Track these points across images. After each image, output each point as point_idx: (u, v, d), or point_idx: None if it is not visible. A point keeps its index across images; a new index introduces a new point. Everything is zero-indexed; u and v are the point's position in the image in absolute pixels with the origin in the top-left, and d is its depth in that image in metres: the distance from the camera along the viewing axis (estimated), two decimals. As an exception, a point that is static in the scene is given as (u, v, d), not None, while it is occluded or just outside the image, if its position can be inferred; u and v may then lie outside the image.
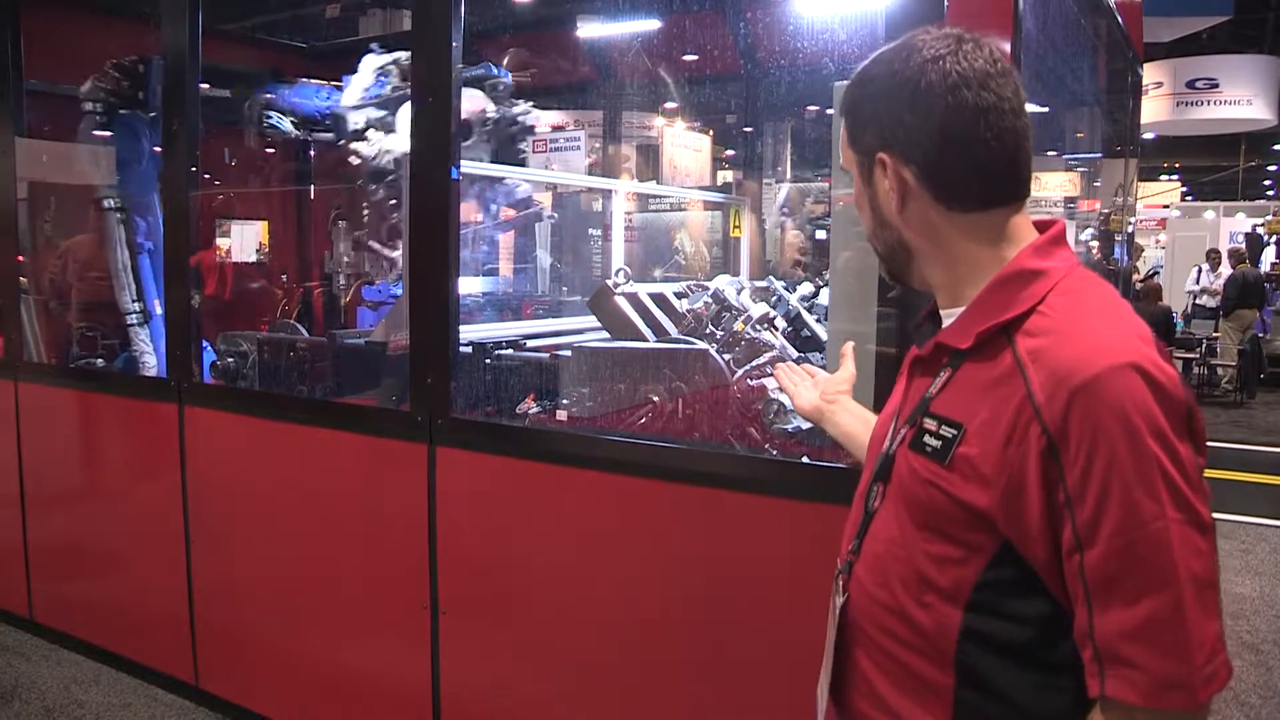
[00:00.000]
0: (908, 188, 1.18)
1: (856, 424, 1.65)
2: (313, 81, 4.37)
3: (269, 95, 4.25)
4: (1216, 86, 14.77)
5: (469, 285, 3.85)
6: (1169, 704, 1.00)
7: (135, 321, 4.02)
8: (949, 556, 1.13)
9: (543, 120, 4.97)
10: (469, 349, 3.10)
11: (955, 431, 1.12)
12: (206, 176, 4.13)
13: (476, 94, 3.90)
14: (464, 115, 3.57)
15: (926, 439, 1.15)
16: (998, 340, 1.12)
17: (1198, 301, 13.63)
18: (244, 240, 6.32)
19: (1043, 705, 1.11)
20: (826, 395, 1.71)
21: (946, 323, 1.23)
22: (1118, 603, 1.01)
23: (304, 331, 4.09)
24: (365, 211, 3.90)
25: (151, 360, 3.97)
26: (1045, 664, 1.10)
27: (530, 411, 2.98)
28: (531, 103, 4.34)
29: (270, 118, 4.13)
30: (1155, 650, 0.99)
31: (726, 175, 6.05)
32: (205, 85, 3.96)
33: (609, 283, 3.51)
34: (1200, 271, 13.94)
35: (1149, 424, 1.00)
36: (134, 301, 4.00)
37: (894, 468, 1.21)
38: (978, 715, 1.13)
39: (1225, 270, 13.50)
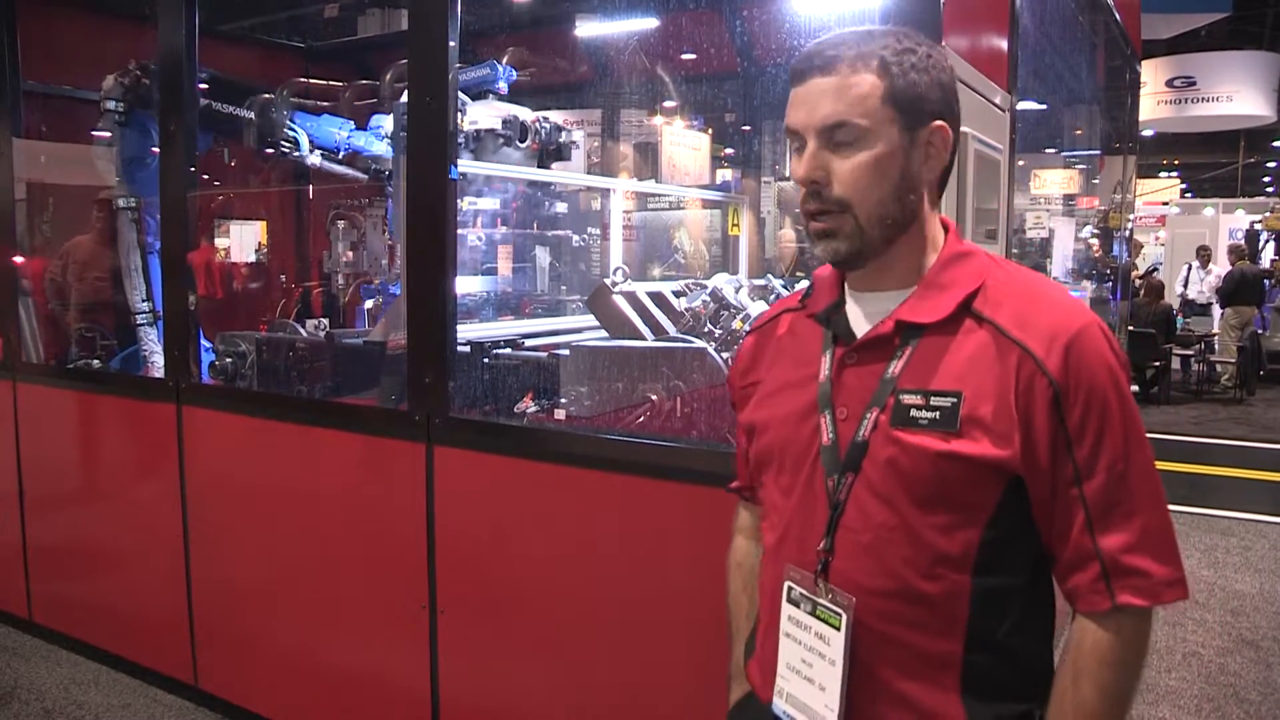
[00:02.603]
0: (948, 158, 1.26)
1: None
2: (338, 116, 4.36)
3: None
4: (1194, 84, 14.80)
5: (468, 285, 3.84)
6: (1170, 599, 1.17)
7: (145, 321, 4.00)
8: (953, 523, 1.18)
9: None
10: (467, 348, 3.10)
11: (955, 399, 1.18)
12: (205, 176, 4.12)
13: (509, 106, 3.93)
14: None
15: (916, 413, 1.19)
16: (959, 314, 1.22)
17: (1188, 298, 13.68)
18: (243, 240, 6.33)
19: (1033, 648, 1.24)
20: None
21: (878, 304, 1.27)
22: (1119, 522, 1.16)
23: (302, 331, 4.09)
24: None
25: (160, 360, 3.96)
26: (1035, 609, 1.24)
27: (528, 411, 2.98)
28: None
29: (293, 130, 4.12)
30: (1156, 556, 1.16)
31: (725, 174, 6.04)
32: (230, 107, 3.98)
33: (607, 281, 3.51)
34: (1190, 269, 14.00)
35: (1124, 371, 1.19)
36: (144, 301, 3.99)
37: (868, 454, 1.21)
38: (983, 673, 1.21)
39: (1215, 267, 13.55)
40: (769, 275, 4.63)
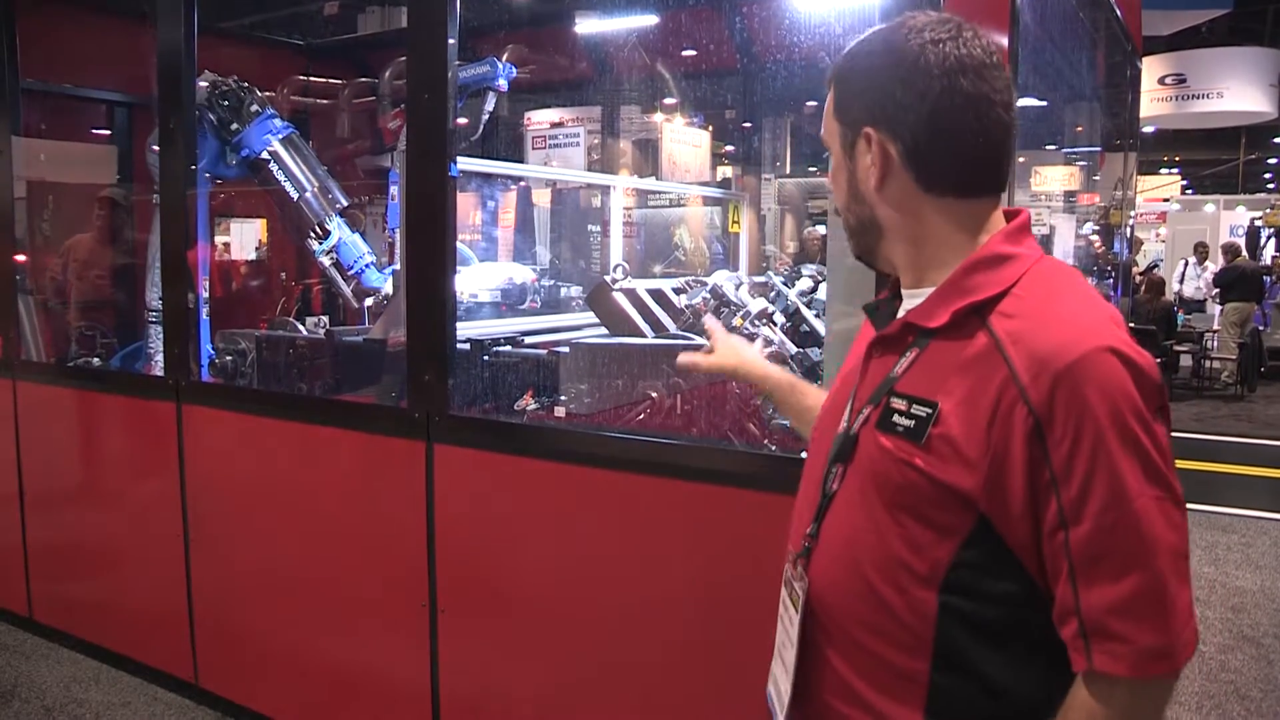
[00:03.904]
0: (891, 166, 1.17)
1: (782, 381, 1.68)
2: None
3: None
4: (1185, 81, 14.80)
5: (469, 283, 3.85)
6: (1154, 672, 1.03)
7: (158, 319, 3.99)
8: (923, 538, 1.11)
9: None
10: (467, 346, 3.09)
11: (929, 410, 1.11)
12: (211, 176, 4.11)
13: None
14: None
15: (896, 418, 1.14)
16: (970, 321, 1.13)
17: (1184, 295, 13.69)
18: (243, 238, 6.33)
19: (1016, 682, 1.12)
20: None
21: (909, 303, 1.23)
22: (1103, 578, 1.03)
23: (302, 329, 4.09)
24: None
25: None
26: (1019, 642, 1.12)
27: (528, 408, 2.98)
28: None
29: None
30: (1141, 623, 1.02)
31: (726, 170, 6.04)
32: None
33: (607, 279, 3.51)
34: (1187, 265, 14.01)
35: (1129, 405, 1.03)
36: (159, 299, 3.97)
37: (857, 448, 1.19)
38: (952, 699, 1.13)
39: (1211, 264, 13.55)
40: (769, 273, 4.63)
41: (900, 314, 1.23)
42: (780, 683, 1.27)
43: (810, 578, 1.22)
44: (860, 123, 1.19)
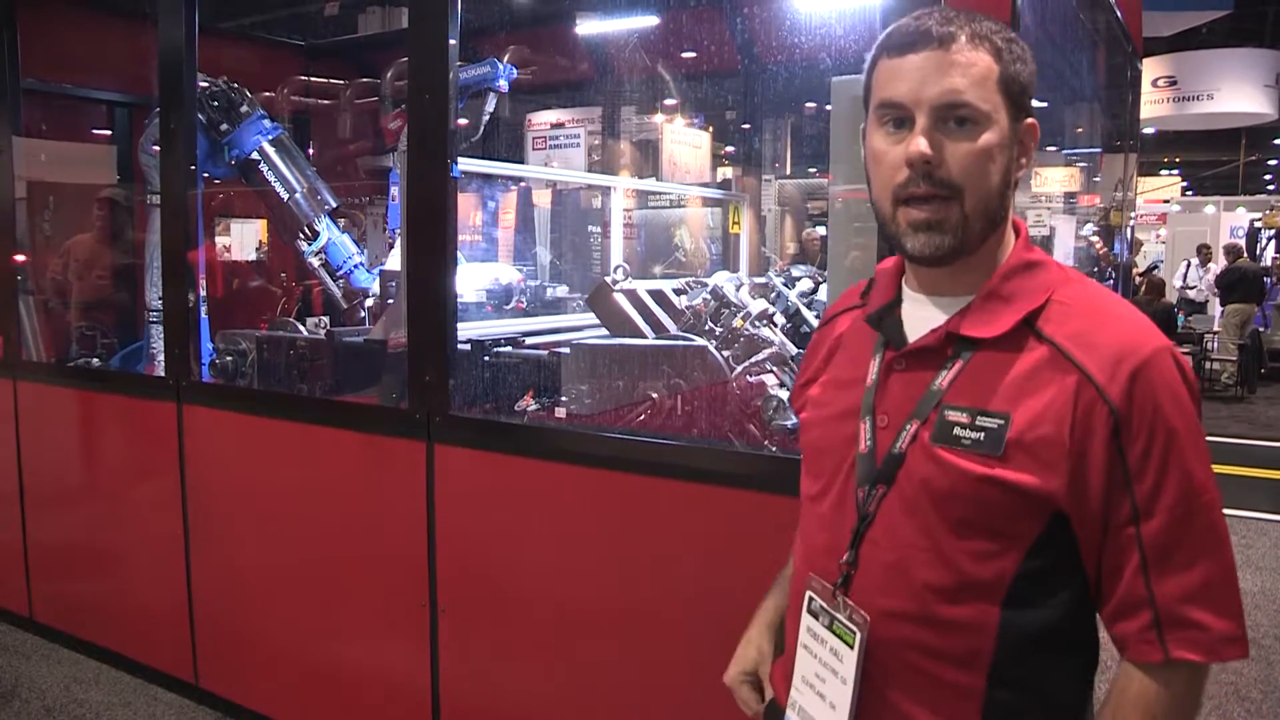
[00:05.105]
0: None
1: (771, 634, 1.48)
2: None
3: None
4: (1175, 83, 14.82)
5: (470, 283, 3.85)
6: (1228, 657, 1.08)
7: (158, 319, 3.98)
8: (989, 550, 1.11)
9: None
10: (467, 346, 3.09)
11: (1001, 421, 1.09)
12: (205, 175, 4.11)
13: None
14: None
15: (959, 432, 1.11)
16: (1019, 329, 1.13)
17: (1185, 296, 13.68)
18: (243, 238, 6.33)
19: (1061, 687, 1.15)
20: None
21: (934, 310, 1.19)
22: (1177, 569, 1.07)
23: (303, 329, 4.09)
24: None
25: None
26: (1070, 648, 1.15)
27: (529, 409, 2.98)
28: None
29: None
30: (1218, 609, 1.08)
31: (726, 171, 6.04)
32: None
33: (608, 279, 3.51)
34: (1189, 266, 14.00)
35: (1193, 403, 1.09)
36: (159, 299, 3.97)
37: (904, 467, 1.15)
38: (1006, 709, 1.13)
39: (1214, 266, 13.55)
40: (770, 273, 4.63)
41: (931, 323, 1.18)
42: (821, 718, 1.21)
43: (863, 607, 1.17)
44: (1027, 110, 1.15)
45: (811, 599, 1.23)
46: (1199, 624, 1.07)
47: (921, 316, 1.20)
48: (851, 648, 1.16)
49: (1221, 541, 1.09)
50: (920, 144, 1.09)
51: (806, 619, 1.24)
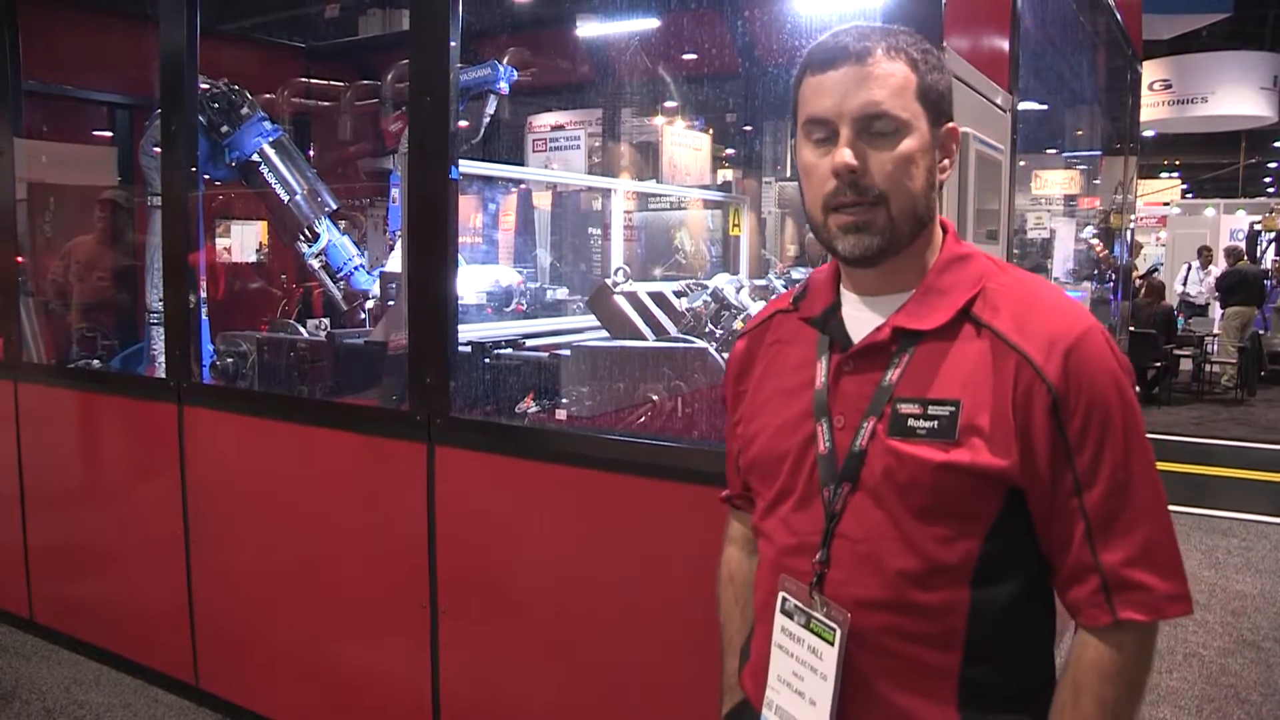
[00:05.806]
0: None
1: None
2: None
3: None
4: (1170, 87, 14.86)
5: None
6: (1173, 614, 1.14)
7: (159, 320, 3.98)
8: (953, 534, 1.16)
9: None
10: (468, 348, 3.09)
11: (953, 408, 1.15)
12: (206, 177, 4.11)
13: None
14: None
15: (913, 423, 1.16)
16: (958, 319, 1.20)
17: (1188, 298, 13.68)
18: (244, 240, 6.32)
19: (1032, 660, 1.23)
20: None
21: (872, 309, 1.25)
22: (1119, 534, 1.13)
23: (303, 331, 4.09)
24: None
25: None
26: (1034, 620, 1.22)
27: (529, 411, 2.98)
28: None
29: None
30: (1160, 569, 1.14)
31: (726, 174, 6.04)
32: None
33: (608, 282, 3.52)
34: (1190, 268, 14.00)
35: (1127, 377, 1.16)
36: (160, 300, 3.98)
37: (866, 464, 1.19)
38: (981, 684, 1.18)
39: (1215, 268, 13.54)
40: (770, 275, 4.63)
41: (873, 323, 1.23)
42: (801, 715, 1.23)
43: (838, 601, 1.20)
44: (946, 116, 1.23)
45: (785, 599, 1.26)
46: (1143, 585, 1.13)
47: (862, 318, 1.26)
48: (831, 644, 1.20)
49: (1160, 505, 1.15)
50: (845, 155, 1.16)
51: (781, 619, 1.27)
